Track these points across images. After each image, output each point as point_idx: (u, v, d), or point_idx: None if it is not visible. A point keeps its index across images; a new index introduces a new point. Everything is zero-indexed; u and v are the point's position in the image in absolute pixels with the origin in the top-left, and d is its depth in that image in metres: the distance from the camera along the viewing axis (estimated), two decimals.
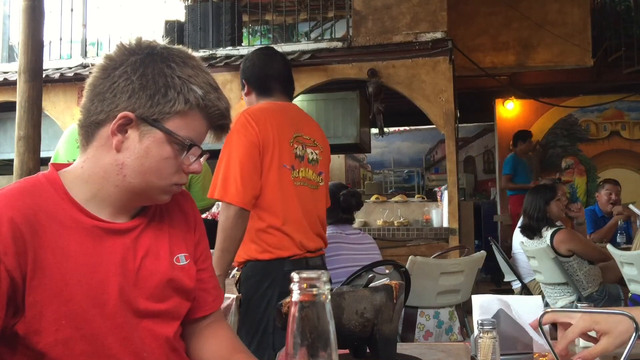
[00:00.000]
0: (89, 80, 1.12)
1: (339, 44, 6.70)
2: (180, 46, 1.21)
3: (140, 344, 1.12)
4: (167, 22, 7.47)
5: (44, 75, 5.79)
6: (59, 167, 1.15)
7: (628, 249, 3.84)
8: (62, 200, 1.08)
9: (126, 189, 1.11)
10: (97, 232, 1.10)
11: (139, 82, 1.08)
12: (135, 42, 1.13)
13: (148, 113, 1.08)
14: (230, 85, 6.92)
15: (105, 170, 1.11)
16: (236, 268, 4.23)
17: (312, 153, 2.31)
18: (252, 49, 7.05)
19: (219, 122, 1.16)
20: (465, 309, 3.31)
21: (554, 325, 1.34)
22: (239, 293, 2.28)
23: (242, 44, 7.36)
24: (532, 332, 1.40)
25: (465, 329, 3.33)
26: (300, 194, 2.22)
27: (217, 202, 2.74)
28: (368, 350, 1.26)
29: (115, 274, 1.10)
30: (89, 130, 1.12)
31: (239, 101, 6.84)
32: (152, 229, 1.19)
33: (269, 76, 2.33)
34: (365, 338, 1.20)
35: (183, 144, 1.10)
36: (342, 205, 3.01)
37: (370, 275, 1.35)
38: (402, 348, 1.44)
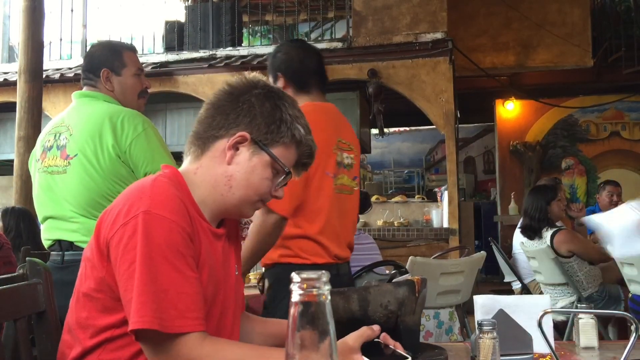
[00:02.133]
0: (210, 100, 1.32)
1: (339, 45, 6.70)
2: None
3: (234, 325, 1.35)
4: (167, 23, 7.47)
5: (44, 76, 5.79)
6: (172, 167, 1.31)
7: None
8: (190, 200, 1.24)
9: (228, 199, 1.28)
10: (208, 233, 1.26)
11: (261, 111, 1.27)
12: (255, 78, 1.33)
13: (262, 137, 1.27)
14: None
15: (216, 179, 1.27)
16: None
17: (347, 157, 2.23)
18: (252, 49, 7.10)
19: (305, 160, 1.35)
20: (465, 310, 3.31)
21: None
22: (262, 293, 2.25)
23: (242, 45, 7.36)
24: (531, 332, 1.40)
25: (466, 330, 3.33)
26: (339, 201, 2.16)
27: None
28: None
29: (222, 273, 1.29)
30: (206, 141, 1.29)
31: None
32: (229, 238, 1.37)
33: (307, 70, 2.22)
34: (389, 329, 1.30)
35: (283, 170, 1.30)
36: None
37: (393, 272, 1.43)
38: None
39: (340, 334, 1.36)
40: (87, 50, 2.39)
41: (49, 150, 2.18)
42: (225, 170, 1.27)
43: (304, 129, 1.31)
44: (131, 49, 2.41)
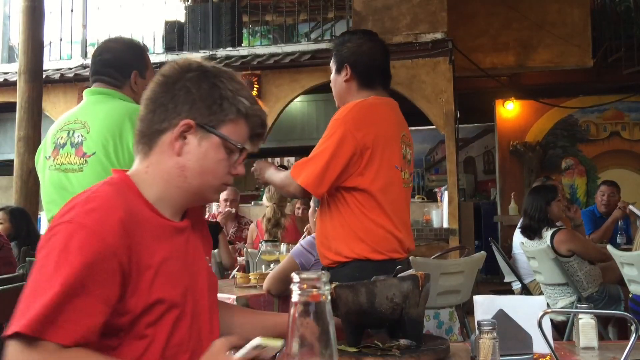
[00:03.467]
0: (146, 95, 1.27)
1: None
2: (222, 66, 1.33)
3: (207, 336, 1.25)
4: (167, 23, 7.47)
5: (44, 76, 5.79)
6: (121, 171, 1.27)
7: (628, 250, 3.84)
8: (140, 202, 1.21)
9: (186, 189, 1.25)
10: (168, 230, 1.23)
11: (199, 94, 1.23)
12: (186, 61, 1.28)
13: (206, 121, 1.23)
14: None
15: (168, 173, 1.24)
16: (236, 269, 4.23)
17: (409, 152, 2.22)
18: (252, 49, 7.10)
19: (258, 130, 1.31)
20: (465, 310, 3.31)
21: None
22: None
23: (242, 45, 7.37)
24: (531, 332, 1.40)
25: (466, 330, 3.33)
26: (407, 195, 2.17)
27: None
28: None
29: (187, 270, 1.23)
30: (151, 137, 1.25)
31: None
32: (194, 230, 1.32)
33: (375, 68, 2.17)
34: (395, 320, 1.40)
35: (236, 147, 1.26)
36: None
37: (398, 267, 1.53)
38: None
39: (353, 324, 1.40)
40: (104, 44, 2.33)
41: (61, 148, 2.15)
42: (177, 162, 1.23)
43: (248, 100, 1.27)
44: (146, 50, 2.41)
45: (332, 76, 2.23)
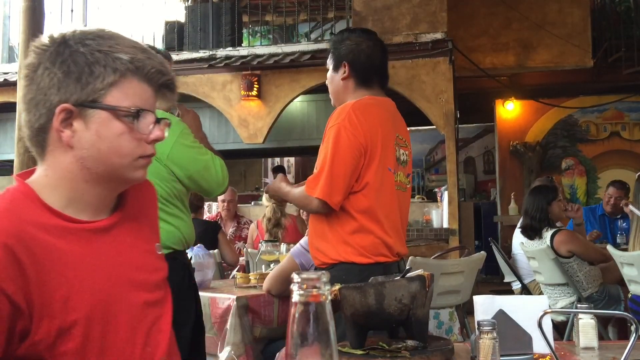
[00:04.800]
0: (19, 95, 1.11)
1: None
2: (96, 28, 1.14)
3: (144, 340, 1.12)
4: (167, 23, 7.48)
5: None
6: (24, 177, 1.12)
7: (628, 250, 3.84)
8: (43, 212, 1.05)
9: (97, 180, 1.09)
10: (85, 235, 1.08)
11: (61, 70, 1.05)
12: (50, 38, 1.09)
13: (83, 97, 1.05)
14: (230, 86, 6.92)
15: (69, 170, 1.08)
16: (236, 269, 4.23)
17: (403, 154, 2.19)
18: (252, 49, 7.10)
19: (160, 81, 1.12)
20: (465, 310, 3.31)
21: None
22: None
23: (242, 45, 7.37)
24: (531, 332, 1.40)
25: (466, 330, 3.33)
26: (399, 198, 2.14)
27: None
28: None
29: (113, 273, 1.09)
30: (39, 139, 1.09)
31: (239, 101, 6.84)
32: (131, 221, 1.18)
33: (374, 67, 2.16)
34: (402, 321, 1.40)
35: (129, 113, 1.07)
36: None
37: (407, 267, 1.55)
38: None
39: (358, 326, 1.39)
40: None
41: None
42: (73, 156, 1.07)
43: (127, 54, 1.07)
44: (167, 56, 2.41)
45: (329, 74, 2.21)
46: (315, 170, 2.04)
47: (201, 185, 2.29)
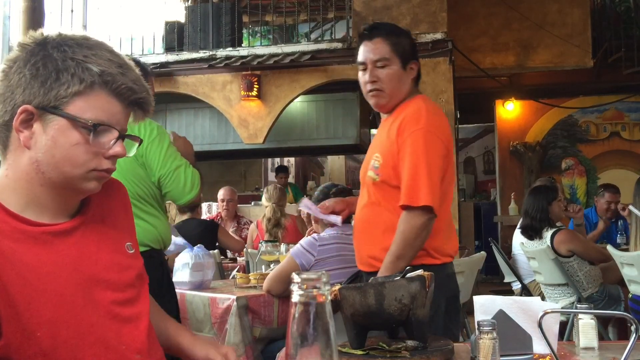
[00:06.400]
0: None
1: (339, 45, 6.71)
2: (83, 33, 1.14)
3: (115, 339, 1.11)
4: (167, 23, 7.48)
5: None
6: None
7: (628, 250, 3.84)
8: (1, 215, 1.04)
9: (50, 186, 1.08)
10: (45, 237, 1.06)
11: (30, 72, 1.04)
12: (33, 37, 1.09)
13: (45, 101, 1.04)
14: (230, 86, 6.92)
15: (27, 172, 1.07)
16: (236, 269, 4.24)
17: None
18: (252, 49, 7.10)
19: (131, 97, 1.10)
20: (465, 310, 3.31)
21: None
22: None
23: (242, 45, 7.37)
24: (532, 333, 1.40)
25: (466, 330, 3.33)
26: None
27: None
28: None
29: (76, 275, 1.08)
30: (1, 136, 1.09)
31: (239, 102, 6.84)
32: (96, 223, 1.17)
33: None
34: (402, 321, 1.39)
35: (87, 126, 1.06)
36: None
37: (407, 268, 1.52)
38: None
39: (358, 326, 1.39)
40: None
41: None
42: (30, 158, 1.06)
43: (100, 66, 1.05)
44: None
45: (393, 70, 2.03)
46: (405, 180, 1.90)
47: (167, 189, 2.35)
